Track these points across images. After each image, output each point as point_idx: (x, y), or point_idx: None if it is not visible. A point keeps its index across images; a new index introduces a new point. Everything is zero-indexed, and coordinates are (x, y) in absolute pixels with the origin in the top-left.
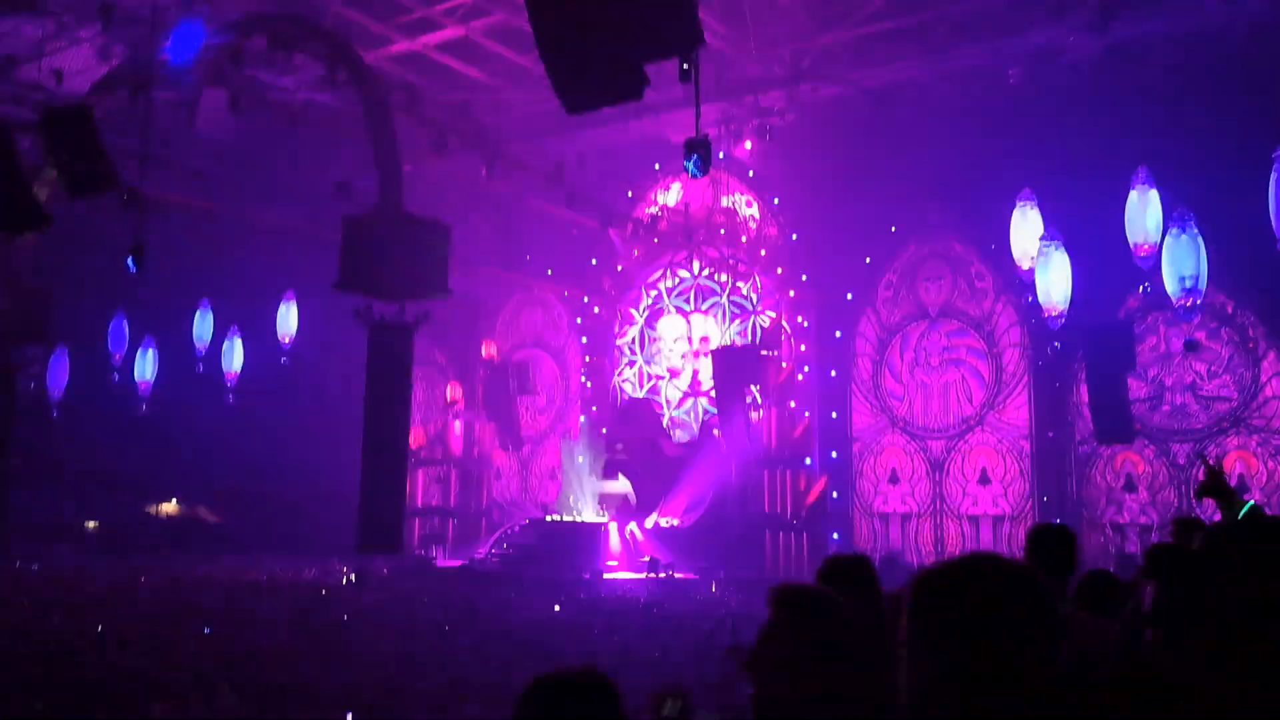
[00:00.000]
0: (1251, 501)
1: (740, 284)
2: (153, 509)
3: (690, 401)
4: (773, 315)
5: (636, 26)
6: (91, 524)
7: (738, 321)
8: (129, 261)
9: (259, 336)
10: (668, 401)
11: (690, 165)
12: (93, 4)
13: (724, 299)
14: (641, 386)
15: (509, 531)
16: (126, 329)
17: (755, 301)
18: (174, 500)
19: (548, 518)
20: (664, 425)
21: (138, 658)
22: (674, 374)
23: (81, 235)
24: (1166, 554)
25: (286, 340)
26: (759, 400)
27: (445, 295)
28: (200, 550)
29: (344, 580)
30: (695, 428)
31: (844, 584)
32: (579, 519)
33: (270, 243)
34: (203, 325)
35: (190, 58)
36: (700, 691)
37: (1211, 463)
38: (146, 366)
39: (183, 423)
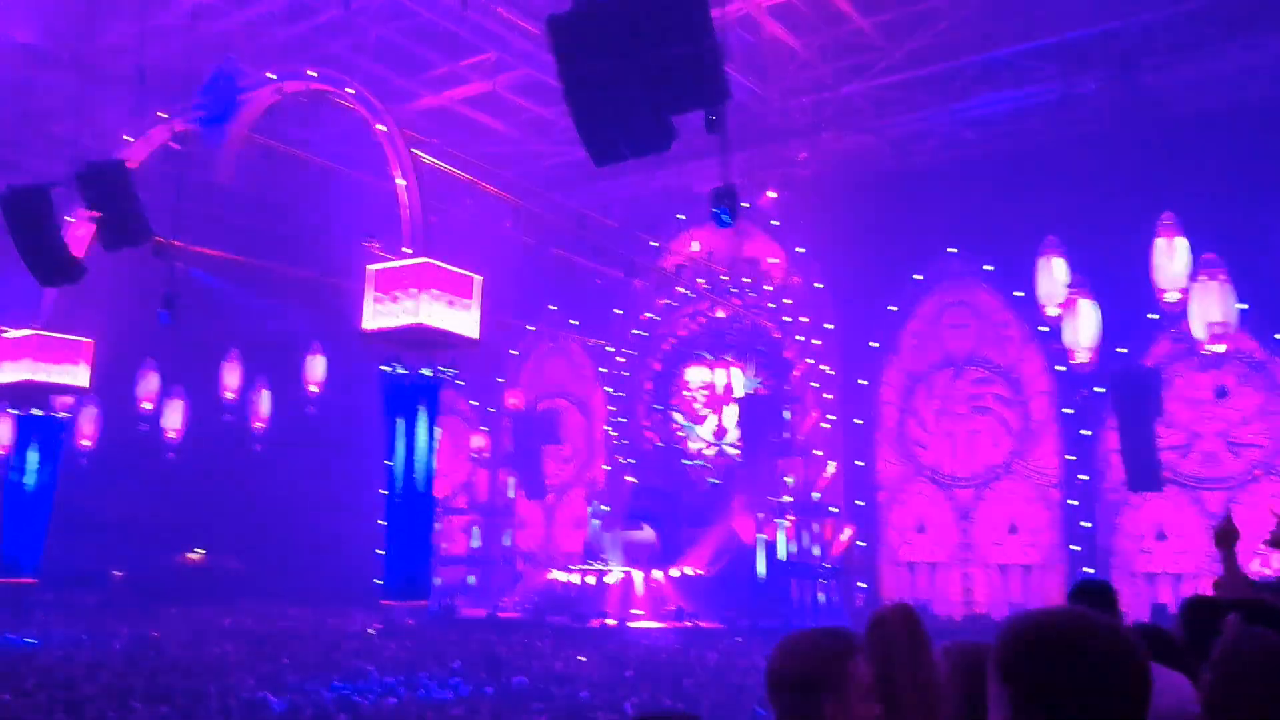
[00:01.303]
0: None
1: (765, 333)
2: (178, 557)
3: (714, 450)
4: (800, 364)
5: (665, 80)
6: (118, 573)
7: (765, 370)
8: (161, 312)
9: (285, 387)
10: (694, 449)
11: (718, 214)
12: (129, 62)
13: (748, 348)
14: (667, 435)
15: (531, 585)
16: (156, 379)
17: (779, 350)
18: (199, 549)
19: (570, 569)
20: (689, 474)
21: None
22: (698, 422)
23: (113, 286)
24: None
25: (314, 389)
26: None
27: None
28: (224, 599)
29: (366, 631)
30: (720, 476)
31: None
32: (603, 568)
33: (297, 294)
34: (231, 375)
35: (223, 113)
36: None
37: (1229, 517)
38: (175, 416)
39: (209, 472)
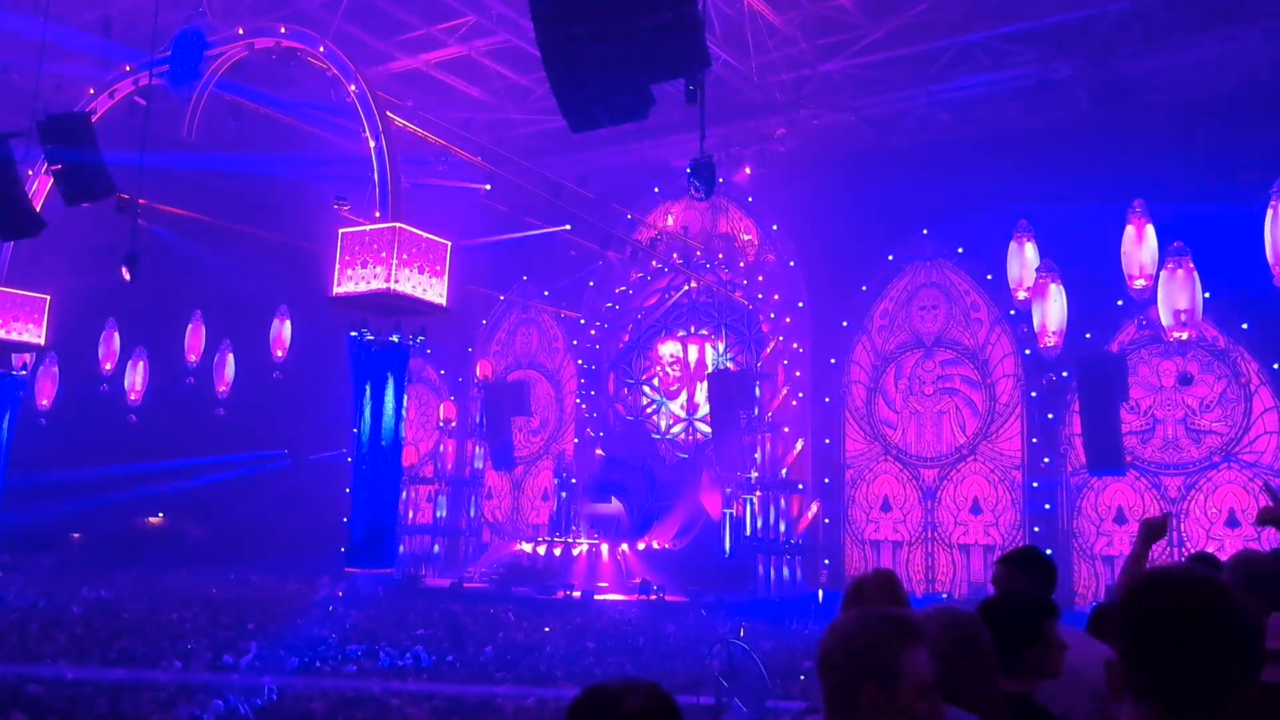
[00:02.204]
0: None
1: (736, 309)
2: (138, 520)
3: (684, 425)
4: (771, 341)
5: (644, 47)
6: (76, 535)
7: (737, 345)
8: (123, 270)
9: (250, 350)
10: (662, 424)
11: (695, 186)
12: (93, 13)
13: (721, 323)
14: (637, 409)
15: (497, 556)
16: (117, 339)
17: (751, 326)
18: (160, 513)
19: (537, 540)
20: (658, 448)
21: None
22: (670, 397)
23: (72, 243)
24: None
25: (280, 354)
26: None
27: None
28: (185, 563)
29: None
30: (689, 450)
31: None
32: (570, 540)
33: (264, 256)
34: (194, 338)
35: (190, 68)
36: (690, 716)
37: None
38: (136, 377)
39: (171, 435)
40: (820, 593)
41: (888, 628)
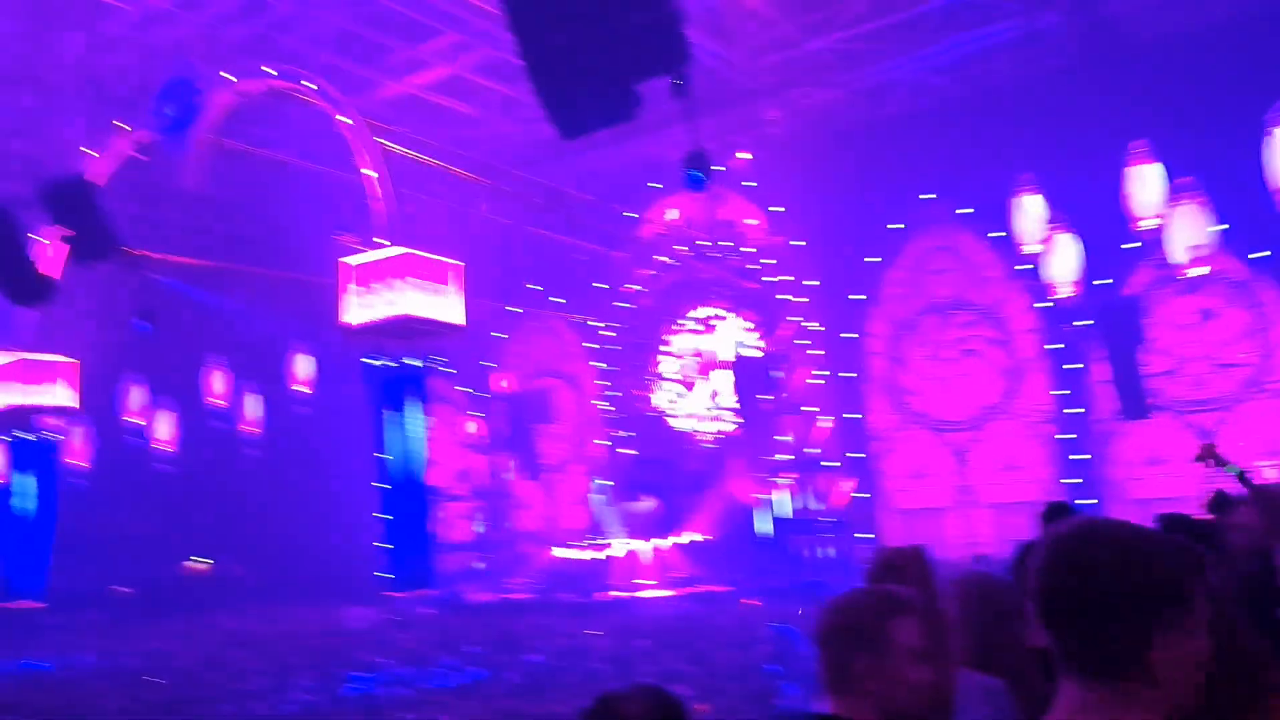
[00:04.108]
0: (1238, 469)
1: (749, 295)
2: (182, 568)
3: (708, 415)
4: (786, 322)
5: (625, 48)
6: (124, 589)
7: (753, 331)
8: (139, 325)
9: (272, 388)
10: (686, 417)
11: (692, 179)
12: (82, 75)
13: (734, 311)
14: (660, 405)
15: (537, 565)
16: (143, 393)
17: (766, 311)
18: (202, 558)
19: (574, 545)
20: (685, 441)
21: None
22: (691, 389)
23: (90, 303)
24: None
25: (303, 389)
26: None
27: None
28: (230, 605)
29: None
30: (716, 441)
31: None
32: (608, 542)
33: (276, 295)
34: (217, 382)
35: (184, 118)
36: (745, 703)
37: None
38: (165, 428)
39: (204, 480)
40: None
41: (876, 599)
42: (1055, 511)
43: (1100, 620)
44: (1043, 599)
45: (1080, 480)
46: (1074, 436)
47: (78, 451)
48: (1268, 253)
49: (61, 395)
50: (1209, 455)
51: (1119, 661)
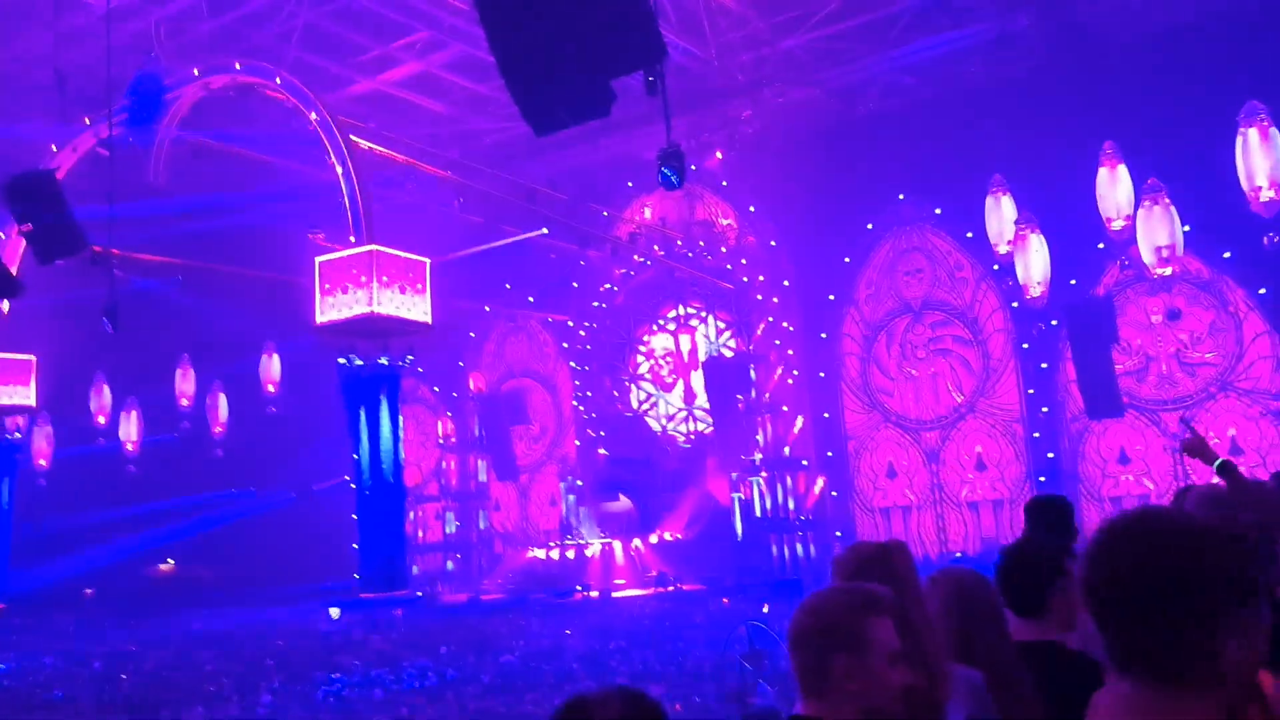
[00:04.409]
0: (1223, 460)
1: (723, 295)
2: (148, 570)
3: (683, 415)
4: (760, 322)
5: (598, 44)
6: (89, 591)
7: (727, 331)
8: (105, 323)
9: (241, 388)
10: (661, 417)
11: (666, 176)
12: (46, 70)
13: (709, 311)
14: (635, 405)
15: (511, 565)
16: (107, 392)
17: (740, 310)
18: (169, 560)
19: (549, 545)
20: (659, 441)
21: None
22: (666, 389)
23: (54, 301)
24: None
25: (272, 389)
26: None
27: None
28: (199, 606)
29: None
30: (691, 440)
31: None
32: (582, 542)
33: (246, 294)
34: (184, 382)
35: (150, 113)
36: (719, 702)
37: (1194, 428)
38: (131, 428)
39: (171, 481)
40: None
41: (853, 599)
42: (1042, 506)
43: (1169, 620)
44: (1101, 596)
45: (1046, 479)
46: (1041, 436)
47: (41, 452)
48: (1231, 254)
49: (21, 394)
50: (1196, 446)
51: (1188, 661)
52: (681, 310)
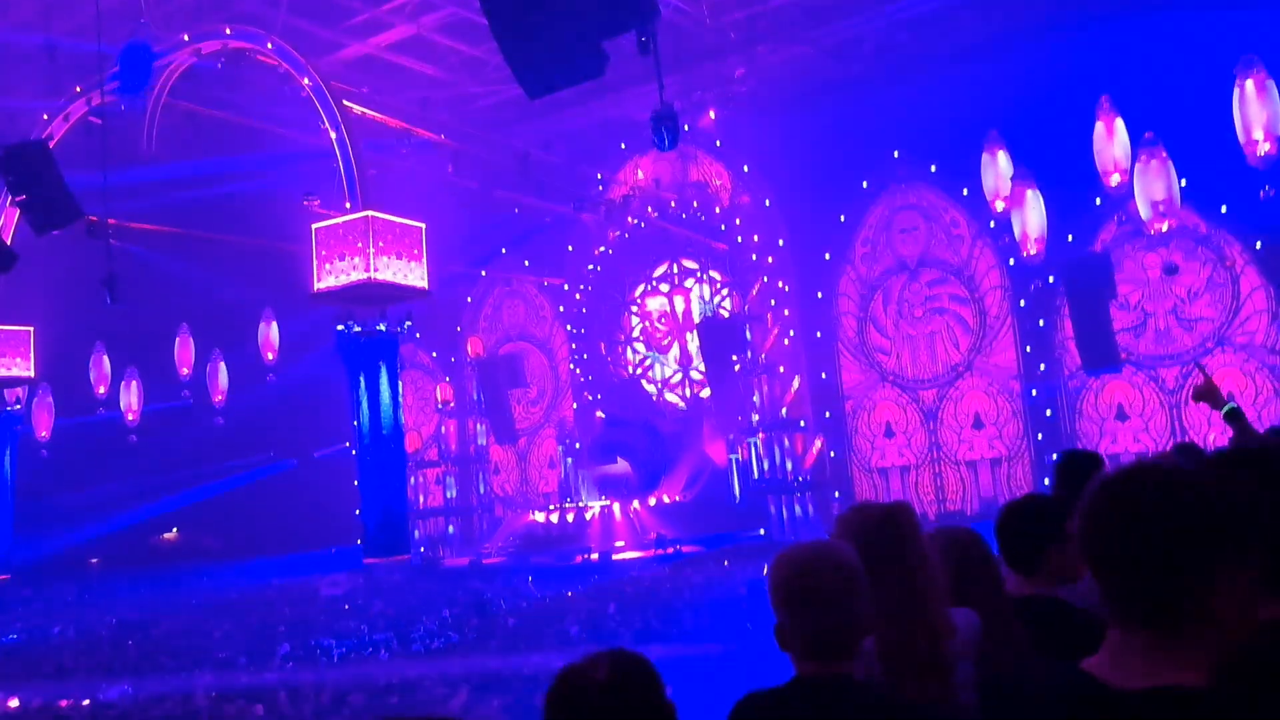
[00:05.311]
0: (1233, 404)
1: (718, 255)
2: (152, 539)
3: (679, 376)
4: (756, 282)
5: (590, 4)
6: (94, 560)
7: (723, 291)
8: (103, 294)
9: (240, 356)
10: (658, 378)
11: (659, 137)
12: (35, 39)
13: (704, 271)
14: (631, 367)
15: (511, 529)
16: (107, 362)
17: (735, 271)
18: (174, 529)
19: (548, 508)
20: (656, 403)
21: None
22: (662, 351)
23: (51, 272)
24: None
25: (271, 357)
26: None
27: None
28: (204, 574)
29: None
30: (688, 402)
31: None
32: (582, 505)
33: (243, 262)
34: (184, 351)
35: (141, 80)
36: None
37: (1207, 372)
38: (131, 397)
39: (173, 450)
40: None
41: (842, 556)
42: (1076, 461)
43: (1161, 567)
44: (1096, 546)
45: (1044, 436)
46: (1039, 393)
47: (42, 423)
48: (1227, 208)
49: (19, 365)
50: (1206, 390)
51: (1182, 607)
52: (675, 268)
